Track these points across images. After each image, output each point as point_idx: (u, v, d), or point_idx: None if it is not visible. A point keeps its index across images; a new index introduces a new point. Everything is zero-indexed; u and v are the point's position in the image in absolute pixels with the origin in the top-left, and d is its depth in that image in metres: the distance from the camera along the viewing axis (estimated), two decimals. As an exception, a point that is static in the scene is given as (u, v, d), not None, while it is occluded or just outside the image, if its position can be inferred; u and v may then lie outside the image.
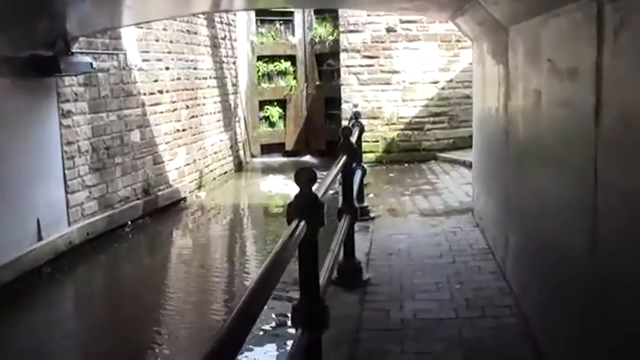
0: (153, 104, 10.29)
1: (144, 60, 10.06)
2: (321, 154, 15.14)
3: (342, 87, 11.72)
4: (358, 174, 7.36)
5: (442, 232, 6.67)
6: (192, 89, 11.88)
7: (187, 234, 9.93)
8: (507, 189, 4.90)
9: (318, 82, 16.04)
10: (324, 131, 15.59)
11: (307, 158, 16.18)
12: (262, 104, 16.15)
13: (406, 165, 11.40)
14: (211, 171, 12.77)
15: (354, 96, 11.53)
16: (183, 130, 11.41)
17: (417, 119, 11.58)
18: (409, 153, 11.57)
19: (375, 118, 11.56)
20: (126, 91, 9.52)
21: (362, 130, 7.86)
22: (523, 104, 4.33)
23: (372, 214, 7.49)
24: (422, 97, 11.54)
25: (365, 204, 7.53)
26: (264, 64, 16.06)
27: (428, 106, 11.55)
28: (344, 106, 11.43)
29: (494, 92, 5.48)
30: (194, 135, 11.88)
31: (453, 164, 10.96)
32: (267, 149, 16.23)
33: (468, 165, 10.28)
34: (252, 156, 16.09)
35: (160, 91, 10.57)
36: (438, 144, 11.65)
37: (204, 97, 12.50)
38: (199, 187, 12.02)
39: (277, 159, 16.24)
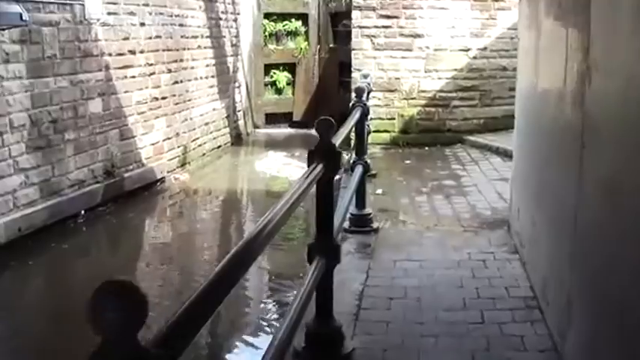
0: (121, 67, 8.49)
1: (110, 13, 8.23)
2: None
3: (353, 52, 9.79)
4: (358, 172, 5.54)
5: (467, 261, 4.84)
6: (177, 50, 10.04)
7: (155, 226, 8.19)
8: (578, 218, 3.07)
9: (332, 45, 14.12)
10: (337, 100, 13.60)
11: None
12: (268, 68, 14.28)
13: (426, 149, 9.51)
14: (200, 145, 11.00)
15: (367, 63, 9.61)
16: (163, 98, 9.62)
17: (442, 94, 9.64)
18: (431, 134, 9.67)
19: (391, 90, 9.65)
20: (83, 50, 7.72)
21: (365, 114, 5.96)
22: (622, 94, 2.47)
23: (375, 225, 5.68)
24: (449, 68, 9.58)
25: (367, 211, 5.71)
26: (272, 23, 14.15)
27: (455, 79, 9.60)
28: (354, 75, 9.52)
29: (556, 69, 3.60)
30: (177, 104, 10.08)
31: (484, 151, 9.04)
32: (272, 119, 14.41)
33: (501, 153, 8.39)
34: (255, 127, 14.28)
35: (132, 52, 8.75)
36: (465, 124, 9.72)
37: (194, 59, 10.67)
38: (183, 166, 10.27)
39: (283, 130, 14.42)
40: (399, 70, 9.59)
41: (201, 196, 9.14)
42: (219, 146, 11.94)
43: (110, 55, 8.25)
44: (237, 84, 13.01)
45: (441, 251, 5.10)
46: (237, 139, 13.01)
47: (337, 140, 3.60)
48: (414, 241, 5.35)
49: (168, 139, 9.82)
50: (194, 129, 10.76)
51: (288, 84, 14.48)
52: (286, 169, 10.37)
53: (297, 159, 11.06)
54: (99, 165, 8.10)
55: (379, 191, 7.07)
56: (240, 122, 13.33)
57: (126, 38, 8.60)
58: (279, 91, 14.48)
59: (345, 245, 5.16)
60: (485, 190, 6.98)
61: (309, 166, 3.13)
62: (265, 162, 11.04)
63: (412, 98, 9.65)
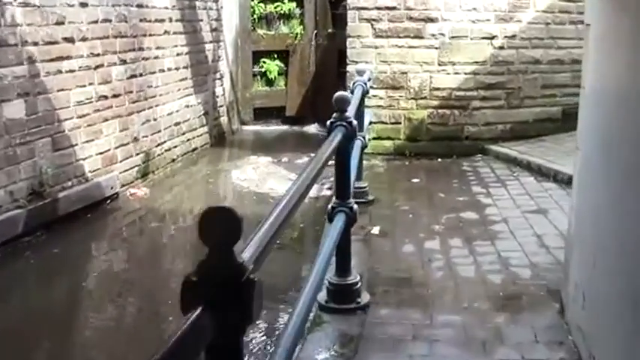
0: (52, 59, 6.68)
1: (35, -11, 6.42)
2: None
3: (348, 40, 7.93)
4: (339, 224, 3.76)
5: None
6: (134, 36, 8.21)
7: (90, 262, 6.41)
8: None
9: (330, 30, 12.27)
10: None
11: (313, 128, 12.54)
12: (257, 56, 12.44)
13: (439, 161, 7.70)
14: (168, 150, 9.21)
15: (365, 54, 7.78)
16: (115, 96, 7.81)
17: (460, 93, 7.78)
18: (445, 143, 7.83)
19: (396, 88, 7.80)
20: (-7, 38, 5.93)
21: (349, 136, 4.03)
22: None
23: (363, 299, 3.89)
24: (468, 60, 7.71)
25: (352, 278, 3.90)
26: (262, 4, 12.30)
27: (477, 74, 7.74)
28: (350, 68, 7.68)
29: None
30: (136, 102, 8.27)
31: (511, 166, 7.21)
32: (262, 114, 12.58)
33: (534, 170, 6.58)
34: (242, 123, 12.47)
35: (69, 40, 6.94)
36: (488, 131, 7.87)
37: (158, 48, 8.84)
38: (144, 176, 8.49)
39: (274, 127, 12.62)
40: (407, 62, 7.74)
41: (157, 219, 7.34)
42: (194, 149, 10.14)
43: (36, 44, 6.44)
44: (218, 75, 11.18)
45: (462, 353, 3.30)
46: (219, 140, 11.21)
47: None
48: (421, 334, 3.54)
49: (123, 145, 8.02)
50: (159, 131, 8.97)
51: (280, 74, 12.65)
52: (269, 182, 8.56)
53: (285, 167, 9.27)
54: (21, 185, 6.32)
55: (375, 230, 5.26)
56: (223, 119, 11.53)
57: (60, 22, 6.78)
58: (269, 83, 12.65)
59: (313, 339, 3.41)
60: (520, 230, 5.17)
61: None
62: (246, 170, 9.21)
63: (422, 98, 7.80)
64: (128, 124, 8.11)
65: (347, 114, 3.82)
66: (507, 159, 7.36)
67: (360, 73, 6.02)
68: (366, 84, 5.87)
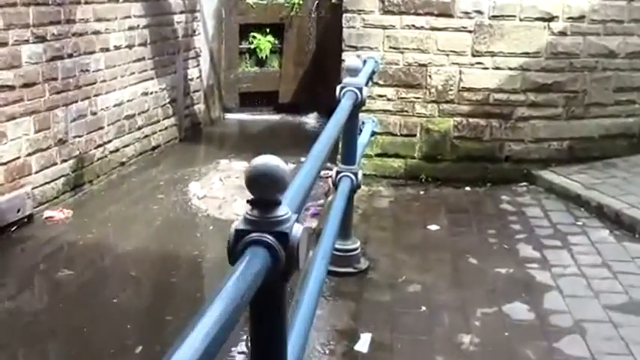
0: None
1: None
2: (330, 112, 9.06)
3: (345, 17, 5.71)
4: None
5: None
6: (60, 4, 6.06)
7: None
8: None
9: (334, 0, 9.99)
10: (339, 76, 9.53)
11: (311, 118, 10.39)
12: (246, 31, 10.23)
13: (467, 191, 5.56)
14: (114, 152, 7.13)
15: (369, 38, 5.58)
16: (27, 85, 5.71)
17: (501, 95, 5.55)
18: (477, 165, 5.67)
19: (411, 86, 5.60)
20: None
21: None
22: None
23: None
24: (515, 50, 5.47)
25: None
26: (252, -34, 10.08)
27: (526, 70, 5.50)
28: (347, 60, 5.51)
29: None
30: (62, 92, 6.15)
31: (573, 206, 5.04)
32: (250, 100, 10.41)
33: (610, 219, 4.43)
34: (226, 110, 10.32)
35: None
36: (537, 150, 5.66)
37: (99, 20, 6.69)
38: (75, 189, 6.43)
39: (264, 117, 10.47)
40: (427, 50, 5.54)
41: (68, 261, 5.22)
42: (155, 147, 8.04)
43: None
44: (192, 53, 9.02)
45: None
46: (193, 133, 9.10)
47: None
48: None
49: (41, 150, 5.94)
50: (101, 128, 6.86)
51: (273, 53, 10.44)
52: (238, 202, 6.45)
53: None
54: None
55: (363, 343, 3.16)
56: (199, 107, 9.39)
57: None
58: (260, 63, 10.45)
59: None
60: (609, 357, 3.04)
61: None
62: (212, 181, 7.08)
63: (447, 101, 5.61)
64: (49, 121, 6.01)
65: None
66: (565, 194, 5.18)
67: (353, 72, 3.87)
68: (361, 91, 3.75)
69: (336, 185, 3.88)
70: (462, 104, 5.57)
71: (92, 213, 6.09)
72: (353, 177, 3.85)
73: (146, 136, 7.83)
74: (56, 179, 6.16)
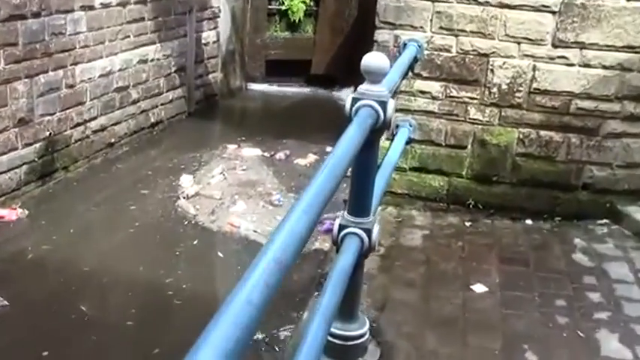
0: None
1: None
2: None
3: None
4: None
5: None
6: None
7: None
8: None
9: (382, -43, 8.48)
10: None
11: (347, 94, 8.94)
12: (276, -11, 8.89)
13: (528, 225, 4.19)
14: (100, 131, 5.94)
15: (413, 14, 4.16)
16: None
17: (588, 103, 4.08)
18: (544, 192, 4.25)
19: (464, 81, 4.18)
20: None
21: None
22: None
23: None
24: (616, 42, 3.98)
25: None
26: None
27: (626, 70, 4.01)
28: (380, 36, 4.14)
29: None
30: (23, 61, 4.92)
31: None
32: (278, 70, 9.08)
33: None
34: (249, 79, 9.03)
35: None
36: (628, 177, 4.19)
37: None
38: (43, 178, 5.26)
39: (293, 89, 9.17)
40: (492, 34, 4.10)
41: (3, 280, 4.06)
42: (155, 124, 6.83)
43: None
44: (209, 13, 7.68)
45: None
46: (207, 105, 7.85)
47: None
48: None
49: (-6, 133, 4.77)
50: (81, 103, 5.64)
51: (307, 16, 9.07)
52: (238, 205, 5.19)
53: (277, 173, 5.87)
54: None
55: None
56: (216, 76, 8.11)
57: None
58: (292, 27, 9.08)
59: None
60: None
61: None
62: (211, 174, 5.78)
63: (513, 105, 4.18)
64: (6, 97, 4.80)
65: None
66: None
67: (374, 74, 2.51)
68: (384, 108, 2.42)
69: (337, 245, 2.55)
70: (531, 111, 4.14)
71: (54, 213, 4.90)
72: (364, 236, 2.52)
73: (143, 111, 6.61)
74: (15, 167, 4.99)
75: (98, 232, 4.74)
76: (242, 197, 5.37)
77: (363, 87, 2.46)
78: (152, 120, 6.78)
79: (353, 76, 9.08)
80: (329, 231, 5.08)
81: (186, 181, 5.58)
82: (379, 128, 2.39)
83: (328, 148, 6.74)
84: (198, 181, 5.65)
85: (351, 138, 2.12)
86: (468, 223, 4.18)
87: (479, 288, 3.40)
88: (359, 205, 2.55)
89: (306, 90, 9.15)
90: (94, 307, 3.85)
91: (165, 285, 4.09)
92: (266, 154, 6.41)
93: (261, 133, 7.02)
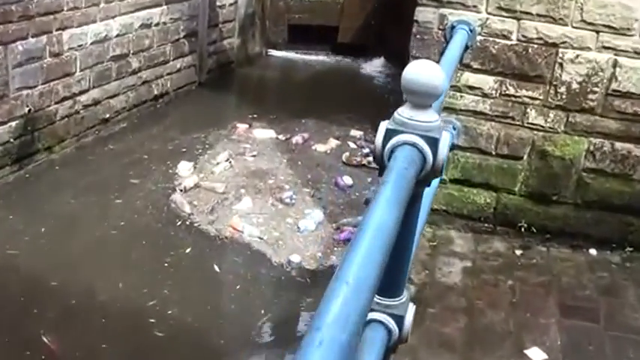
0: None
1: None
2: (405, 60, 6.66)
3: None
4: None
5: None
6: None
7: None
8: None
9: None
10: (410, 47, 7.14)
11: (376, 66, 8.19)
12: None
13: (593, 255, 3.38)
14: (92, 106, 5.20)
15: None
16: None
17: None
18: (613, 216, 3.44)
19: (525, 77, 3.34)
20: None
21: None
22: None
23: None
24: None
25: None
26: None
27: None
28: (421, 15, 3.30)
29: None
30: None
31: None
32: (302, 35, 8.24)
33: None
34: (270, 46, 8.22)
35: None
36: None
37: None
38: (18, 163, 4.55)
39: (318, 57, 8.35)
40: (564, 19, 3.24)
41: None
42: (159, 96, 6.08)
43: None
44: (225, -29, 6.84)
45: None
46: (219, 75, 7.04)
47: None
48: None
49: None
50: (70, 74, 4.89)
51: (336, -23, 8.18)
52: (243, 202, 4.44)
53: (291, 163, 5.11)
54: None
55: None
56: (231, 42, 7.29)
57: None
58: (318, -11, 8.21)
59: None
60: None
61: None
62: (215, 160, 5.01)
63: (584, 109, 3.34)
64: (-28, 67, 4.06)
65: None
66: None
67: (417, 94, 1.67)
68: (436, 145, 1.57)
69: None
70: (607, 117, 3.31)
71: (27, 205, 4.20)
72: (393, 326, 1.74)
73: (145, 82, 5.84)
74: (-17, 151, 4.28)
75: (74, 232, 4.01)
76: (248, 192, 4.62)
77: (404, 113, 1.64)
78: (155, 92, 6.02)
79: (382, 45, 8.23)
80: (348, 240, 4.35)
81: (184, 169, 4.83)
82: (425, 177, 1.61)
83: (353, 132, 5.95)
84: (200, 170, 4.90)
85: (387, 203, 1.33)
86: (518, 252, 3.40)
87: (536, 355, 2.64)
88: (389, 282, 1.78)
89: (331, 60, 8.32)
90: (58, 336, 3.16)
91: (148, 310, 3.37)
92: (281, 136, 5.64)
93: (277, 109, 6.23)
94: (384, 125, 1.66)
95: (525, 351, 2.66)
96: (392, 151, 1.60)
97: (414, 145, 1.57)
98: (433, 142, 1.58)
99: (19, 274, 3.54)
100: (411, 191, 1.45)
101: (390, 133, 1.61)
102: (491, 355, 2.64)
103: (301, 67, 8.03)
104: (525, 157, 3.43)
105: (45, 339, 3.10)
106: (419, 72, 1.66)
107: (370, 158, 5.24)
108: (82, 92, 5.06)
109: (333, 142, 5.63)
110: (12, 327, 3.17)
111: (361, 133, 5.82)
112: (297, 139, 5.60)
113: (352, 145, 5.60)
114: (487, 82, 3.36)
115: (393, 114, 1.73)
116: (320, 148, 5.52)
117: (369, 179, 4.98)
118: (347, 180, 4.88)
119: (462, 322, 2.83)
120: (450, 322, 2.83)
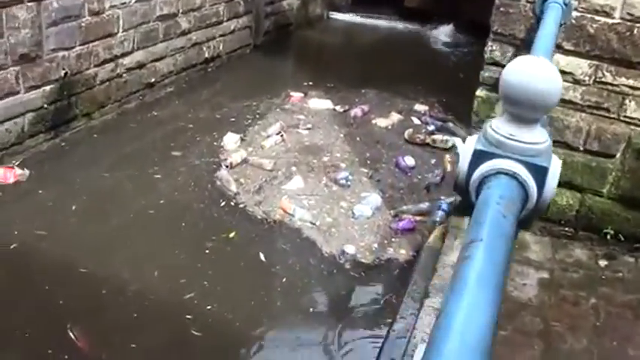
0: None
1: None
2: (476, 30, 5.80)
3: None
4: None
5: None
6: None
7: None
8: None
9: None
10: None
11: (444, 33, 7.64)
12: None
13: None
14: (135, 69, 4.87)
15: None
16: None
17: None
18: None
19: (626, 62, 2.81)
20: None
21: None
22: None
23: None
24: None
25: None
26: None
27: None
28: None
29: None
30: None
31: None
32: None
33: None
34: (332, 8, 7.78)
35: None
36: None
37: None
38: (53, 130, 4.27)
39: (382, 22, 7.84)
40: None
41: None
42: (210, 59, 5.72)
43: None
44: None
45: None
46: (276, 37, 6.64)
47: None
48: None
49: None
50: (111, 35, 4.55)
51: None
52: (293, 181, 4.06)
53: (350, 139, 4.72)
54: None
55: None
56: (290, 2, 6.86)
57: None
58: (386, -52, 7.67)
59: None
60: None
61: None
62: (267, 132, 4.61)
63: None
64: (0, 27, 3.74)
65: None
66: None
67: (526, 108, 1.24)
68: (543, 176, 1.14)
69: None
70: None
71: (58, 178, 3.90)
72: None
73: (195, 44, 5.48)
74: (15, 117, 3.98)
75: (107, 211, 3.68)
76: (300, 170, 4.23)
77: (501, 128, 1.21)
78: (206, 55, 5.66)
79: (451, 11, 7.62)
80: (408, 230, 3.93)
81: (231, 142, 4.45)
82: (526, 219, 1.18)
83: (417, 106, 5.44)
84: (248, 143, 4.52)
85: (479, 283, 0.91)
86: (602, 262, 2.92)
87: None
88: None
89: (396, 25, 7.81)
90: (85, 331, 2.85)
91: (184, 304, 3.03)
92: (338, 108, 5.21)
93: (335, 77, 5.80)
94: (471, 142, 1.23)
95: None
96: (482, 181, 1.18)
97: (514, 175, 1.14)
98: (540, 172, 1.15)
99: (45, 258, 3.24)
100: (509, 250, 1.04)
101: (480, 156, 1.19)
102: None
103: (364, 32, 7.54)
104: (619, 155, 2.92)
105: (71, 334, 2.81)
106: (529, 74, 1.21)
107: (436, 136, 4.76)
108: (124, 54, 4.72)
109: (395, 117, 5.17)
110: (34, 319, 2.87)
111: (426, 108, 5.33)
112: (356, 111, 5.16)
113: (416, 120, 5.12)
114: (580, 66, 2.85)
115: (484, 127, 1.30)
116: (381, 122, 5.07)
117: (433, 160, 4.51)
118: (409, 161, 4.41)
119: (537, 349, 2.40)
120: (523, 348, 2.41)
